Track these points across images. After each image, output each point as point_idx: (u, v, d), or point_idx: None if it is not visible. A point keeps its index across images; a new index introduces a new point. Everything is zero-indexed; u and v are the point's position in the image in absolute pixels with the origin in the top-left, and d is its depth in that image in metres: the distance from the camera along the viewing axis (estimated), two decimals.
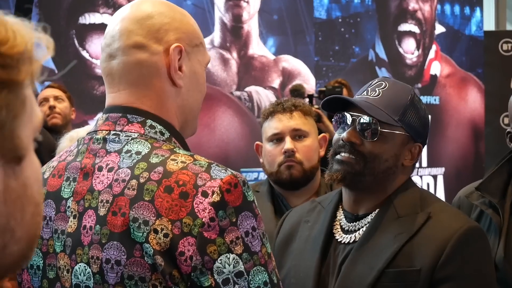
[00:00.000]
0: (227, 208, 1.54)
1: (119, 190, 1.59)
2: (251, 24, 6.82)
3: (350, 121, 2.21)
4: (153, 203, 1.55)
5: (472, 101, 8.67)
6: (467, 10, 8.81)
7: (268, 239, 2.98)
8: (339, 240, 2.26)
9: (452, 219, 2.19)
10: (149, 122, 1.66)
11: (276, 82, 6.91)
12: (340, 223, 2.29)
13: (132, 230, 1.55)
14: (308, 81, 7.01)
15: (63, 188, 1.69)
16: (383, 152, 2.20)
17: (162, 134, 1.66)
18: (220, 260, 1.52)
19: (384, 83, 2.26)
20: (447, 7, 8.63)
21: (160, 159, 1.59)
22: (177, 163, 1.58)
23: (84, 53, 5.70)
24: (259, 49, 6.86)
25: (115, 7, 5.81)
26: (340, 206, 2.32)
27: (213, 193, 1.53)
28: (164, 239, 1.52)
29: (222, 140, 6.48)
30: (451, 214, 2.23)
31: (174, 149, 1.62)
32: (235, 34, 6.70)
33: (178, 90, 1.70)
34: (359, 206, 2.26)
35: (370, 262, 2.16)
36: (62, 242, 1.66)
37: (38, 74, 0.98)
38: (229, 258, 1.53)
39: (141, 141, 1.63)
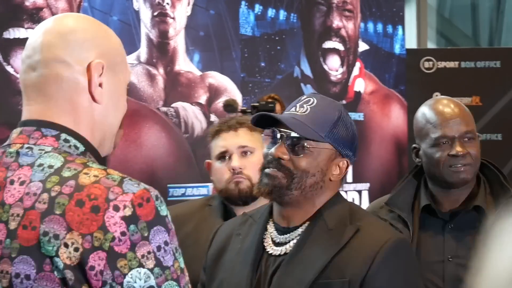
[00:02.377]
0: (138, 223, 1.53)
1: (30, 204, 1.56)
2: (177, 40, 6.83)
3: (279, 137, 2.25)
4: (64, 216, 1.53)
5: (395, 117, 8.81)
6: (389, 28, 8.97)
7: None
8: (270, 252, 2.29)
9: (381, 232, 2.25)
10: (63, 136, 1.65)
11: (203, 98, 6.92)
12: (271, 236, 2.31)
13: (42, 244, 1.53)
14: (235, 97, 7.03)
15: None
16: (310, 167, 2.24)
17: (77, 148, 1.65)
18: (131, 274, 1.51)
19: (312, 100, 2.30)
20: (370, 25, 8.77)
21: (73, 173, 1.57)
22: (89, 176, 1.57)
23: (8, 68, 5.62)
24: (186, 65, 6.87)
25: (40, 22, 5.76)
26: (271, 219, 2.35)
27: (124, 207, 1.53)
28: (75, 253, 1.51)
29: (148, 156, 6.45)
30: (379, 227, 2.29)
31: (87, 163, 1.61)
32: (161, 50, 6.70)
33: (97, 106, 1.69)
34: (290, 219, 2.29)
35: (300, 273, 2.19)
36: None
37: None
38: (140, 273, 1.52)
39: (54, 155, 1.61)
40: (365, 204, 8.26)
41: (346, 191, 8.13)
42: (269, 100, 5.93)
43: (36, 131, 1.65)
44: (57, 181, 1.57)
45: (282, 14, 7.87)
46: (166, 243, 1.55)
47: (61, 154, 1.62)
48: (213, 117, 6.57)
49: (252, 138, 3.08)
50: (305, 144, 2.23)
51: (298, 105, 2.30)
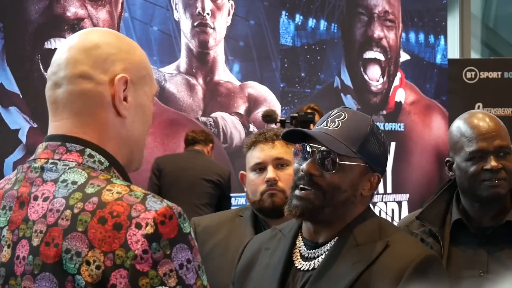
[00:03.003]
0: (161, 240, 1.52)
1: (53, 221, 1.56)
2: (217, 50, 6.85)
3: (310, 152, 2.23)
4: (86, 234, 1.53)
5: (436, 128, 8.74)
6: (431, 38, 8.91)
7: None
8: (298, 267, 2.27)
9: (410, 248, 2.21)
10: (88, 151, 1.65)
11: (242, 108, 6.94)
12: (299, 250, 2.30)
13: (64, 261, 1.53)
14: (274, 107, 7.03)
15: None
16: (342, 183, 2.22)
17: (101, 163, 1.65)
18: None
19: (343, 114, 2.27)
20: (412, 35, 8.73)
21: (96, 189, 1.57)
22: (112, 193, 1.56)
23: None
24: (225, 75, 6.89)
25: None
26: (300, 234, 2.34)
27: (146, 225, 1.52)
28: (96, 271, 1.50)
29: None
30: (409, 243, 2.26)
31: (111, 179, 1.61)
32: (201, 60, 6.72)
33: (122, 120, 1.69)
34: (319, 234, 2.28)
35: None
36: None
37: None
38: None
39: (78, 171, 1.61)
40: (404, 215, 8.19)
41: (385, 202, 8.07)
42: (309, 110, 5.91)
43: (60, 146, 1.65)
44: (80, 197, 1.57)
45: (323, 24, 7.86)
46: (188, 261, 1.54)
47: (85, 170, 1.62)
48: (252, 127, 6.58)
49: (288, 150, 3.07)
50: (337, 160, 2.21)
51: (329, 119, 2.28)
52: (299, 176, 2.24)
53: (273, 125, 5.66)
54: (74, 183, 1.60)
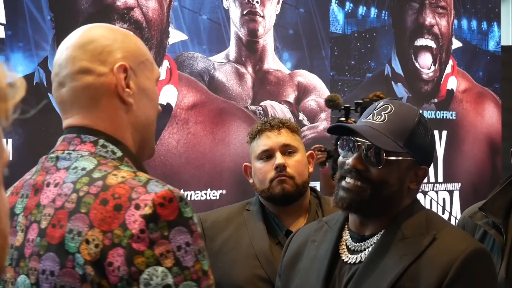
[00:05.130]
0: (158, 221, 1.55)
1: (60, 204, 1.63)
2: (267, 39, 6.83)
3: (356, 147, 2.21)
4: (88, 214, 1.58)
5: (489, 116, 8.63)
6: (484, 25, 8.79)
7: (264, 258, 2.95)
8: (345, 260, 2.26)
9: (458, 241, 2.18)
10: (101, 141, 1.70)
11: (291, 96, 6.91)
12: (346, 243, 2.29)
13: (66, 241, 1.58)
14: (323, 96, 6.99)
15: (17, 204, 1.74)
16: (389, 178, 2.19)
17: (114, 153, 1.70)
18: (148, 272, 1.53)
19: (389, 107, 2.24)
20: (464, 22, 8.61)
21: (102, 174, 1.63)
22: (117, 177, 1.61)
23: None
24: (275, 63, 6.87)
25: (131, 21, 5.84)
26: (346, 226, 2.32)
27: (145, 205, 1.55)
28: (95, 249, 1.55)
29: (237, 155, 6.48)
30: (456, 236, 2.22)
31: (119, 166, 1.66)
32: (250, 49, 6.72)
33: (129, 107, 1.73)
34: (365, 227, 2.26)
35: (375, 282, 2.16)
36: (10, 255, 1.70)
37: (11, 112, 1.00)
38: (157, 271, 1.53)
39: (89, 158, 1.67)
40: (456, 204, 8.12)
41: (436, 191, 8.00)
42: (374, 97, 5.79)
43: (76, 138, 1.71)
44: (87, 181, 1.63)
45: (373, 11, 7.79)
46: (187, 244, 1.56)
47: (95, 158, 1.67)
48: (301, 116, 6.55)
49: (294, 138, 3.07)
50: (384, 155, 2.18)
51: (375, 112, 2.24)
52: (345, 169, 2.22)
53: (336, 111, 5.58)
54: (83, 169, 1.66)
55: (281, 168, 2.97)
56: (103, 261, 1.54)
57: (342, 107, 5.50)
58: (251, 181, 3.10)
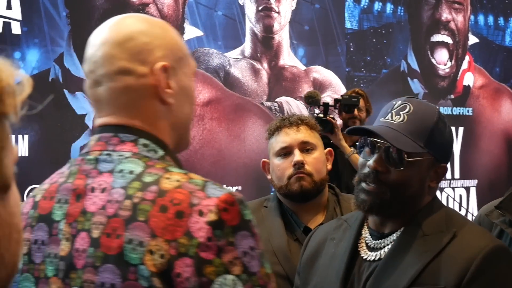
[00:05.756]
0: (224, 228, 1.48)
1: (113, 211, 1.55)
2: (282, 35, 6.82)
3: (376, 148, 2.18)
4: (148, 223, 1.50)
5: (506, 112, 8.58)
6: (501, 20, 8.74)
7: (282, 254, 2.94)
8: (364, 257, 2.24)
9: (478, 238, 2.16)
10: (141, 140, 1.63)
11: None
12: (365, 241, 2.27)
13: (126, 251, 1.51)
14: (339, 92, 6.98)
15: (54, 210, 1.65)
16: (410, 179, 2.17)
17: (156, 152, 1.63)
18: (219, 281, 1.47)
19: (408, 106, 2.21)
20: (481, 18, 8.57)
21: (154, 178, 1.55)
22: (171, 181, 1.54)
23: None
24: (290, 59, 6.85)
25: None
26: (366, 224, 2.30)
27: (209, 212, 1.49)
28: (161, 260, 1.48)
29: (252, 151, 6.47)
30: (476, 233, 2.20)
31: (168, 168, 1.59)
32: (266, 45, 6.70)
33: (169, 107, 1.66)
34: (385, 225, 2.24)
35: (394, 280, 2.14)
36: (55, 266, 1.62)
37: (19, 107, 1.00)
38: (226, 279, 1.47)
39: (134, 160, 1.60)
40: (472, 201, 8.08)
41: (453, 188, 7.97)
42: (353, 94, 5.84)
43: (114, 137, 1.64)
44: (139, 187, 1.55)
45: (389, 7, 7.76)
46: (252, 248, 1.51)
47: (140, 159, 1.60)
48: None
49: (313, 135, 3.06)
50: (405, 156, 2.16)
51: (393, 112, 2.21)
52: (365, 172, 2.20)
53: (315, 108, 5.60)
54: (131, 172, 1.58)
55: (299, 165, 2.96)
56: (170, 272, 1.47)
57: (321, 104, 5.53)
58: (269, 177, 3.09)
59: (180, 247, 1.47)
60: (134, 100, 1.64)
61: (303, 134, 3.02)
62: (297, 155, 2.97)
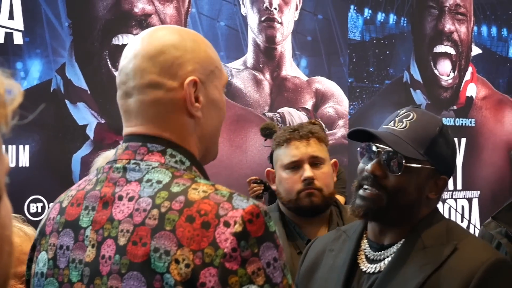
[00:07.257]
0: (249, 239, 1.52)
1: (140, 220, 1.57)
2: (285, 45, 6.81)
3: (375, 153, 2.18)
4: (175, 232, 1.53)
5: (508, 123, 8.57)
6: (504, 31, 8.73)
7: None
8: (363, 269, 2.23)
9: (479, 251, 2.15)
10: (169, 151, 1.65)
11: (309, 103, 6.89)
12: (365, 252, 2.25)
13: (153, 260, 1.53)
14: (342, 103, 6.97)
15: (81, 217, 1.68)
16: (407, 186, 2.16)
17: (183, 163, 1.65)
18: None
19: (412, 114, 2.21)
20: (484, 29, 8.56)
21: (182, 188, 1.58)
22: (198, 192, 1.57)
23: (117, 74, 5.74)
24: (292, 70, 6.85)
25: (149, 28, 5.84)
26: (365, 235, 2.29)
27: (235, 223, 1.52)
28: (186, 269, 1.51)
29: (254, 161, 6.46)
30: (478, 246, 2.19)
31: (195, 179, 1.61)
32: (268, 55, 6.70)
33: (197, 121, 1.69)
34: (384, 236, 2.23)
35: None
36: (80, 271, 1.64)
37: (10, 118, 0.99)
38: None
39: (162, 170, 1.62)
40: (475, 212, 8.06)
41: (455, 199, 7.94)
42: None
43: (142, 147, 1.66)
44: (167, 196, 1.58)
45: (392, 18, 7.76)
46: (275, 260, 1.54)
47: (168, 170, 1.63)
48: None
49: (322, 148, 3.03)
50: (403, 161, 2.15)
51: (397, 119, 2.22)
52: (363, 176, 2.20)
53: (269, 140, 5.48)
54: (159, 182, 1.61)
55: (309, 181, 2.94)
56: (195, 282, 1.50)
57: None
58: (274, 187, 3.07)
59: (205, 257, 1.50)
60: (162, 112, 1.66)
61: (313, 148, 2.99)
62: (308, 171, 2.95)
